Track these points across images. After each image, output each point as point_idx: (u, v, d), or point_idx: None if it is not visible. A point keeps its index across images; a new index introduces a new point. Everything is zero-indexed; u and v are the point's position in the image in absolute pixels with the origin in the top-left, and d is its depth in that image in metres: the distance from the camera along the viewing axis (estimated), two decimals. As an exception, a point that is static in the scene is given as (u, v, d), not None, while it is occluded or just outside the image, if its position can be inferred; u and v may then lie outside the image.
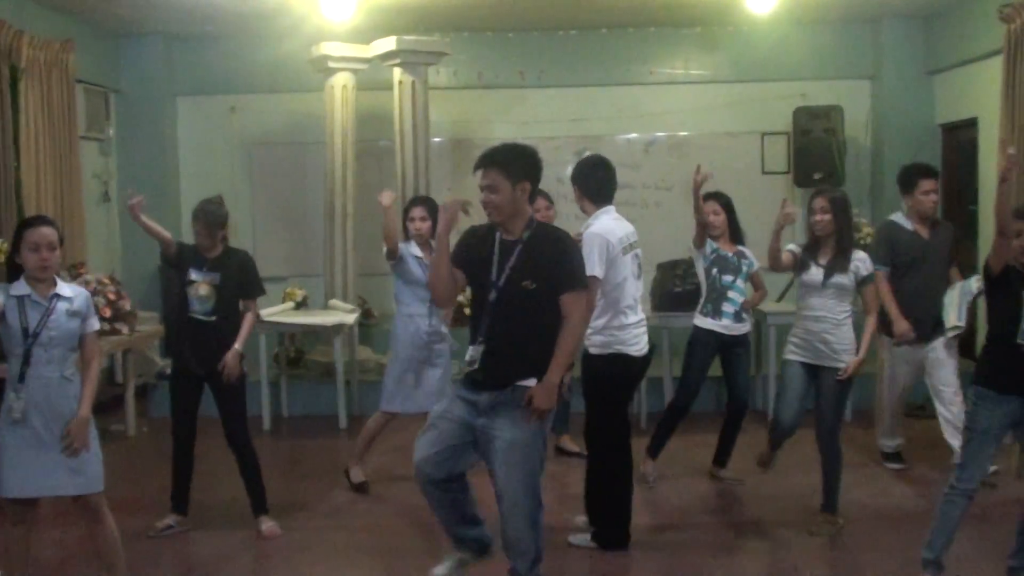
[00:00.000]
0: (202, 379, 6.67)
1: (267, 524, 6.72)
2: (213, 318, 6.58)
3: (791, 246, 6.67)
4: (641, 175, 12.06)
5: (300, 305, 10.35)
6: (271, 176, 12.23)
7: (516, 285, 4.92)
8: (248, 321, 6.75)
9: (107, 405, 10.27)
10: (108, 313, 8.95)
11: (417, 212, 7.42)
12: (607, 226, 6.16)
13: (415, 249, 7.37)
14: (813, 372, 6.53)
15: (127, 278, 10.49)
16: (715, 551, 6.42)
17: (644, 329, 6.38)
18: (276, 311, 9.96)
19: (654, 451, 7.78)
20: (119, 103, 11.76)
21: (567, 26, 11.90)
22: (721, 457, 7.81)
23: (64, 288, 5.24)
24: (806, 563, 6.19)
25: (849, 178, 11.61)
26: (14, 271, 5.28)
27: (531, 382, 4.89)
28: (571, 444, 8.48)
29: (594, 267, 5.88)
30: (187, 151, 12.19)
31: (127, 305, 9.15)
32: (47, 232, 5.17)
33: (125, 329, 9.08)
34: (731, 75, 12.17)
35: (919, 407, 9.09)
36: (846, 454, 6.64)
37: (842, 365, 6.41)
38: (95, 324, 5.39)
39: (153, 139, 11.85)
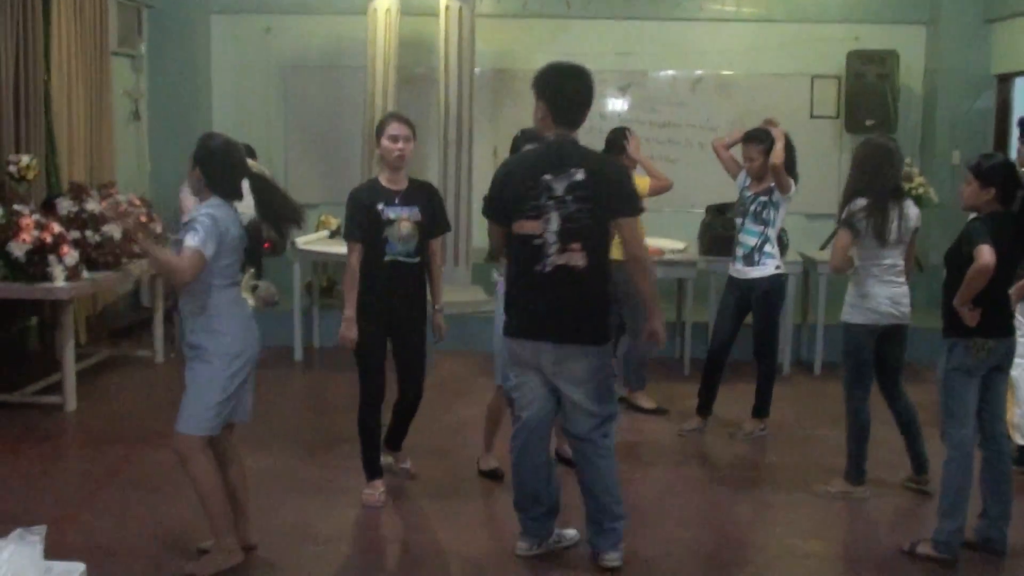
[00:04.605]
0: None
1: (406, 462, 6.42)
2: (416, 259, 5.91)
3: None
4: (686, 114, 11.74)
5: (334, 234, 10.03)
6: (306, 100, 11.90)
7: None
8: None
9: (133, 331, 10.09)
10: (139, 235, 8.68)
11: None
12: None
13: None
14: None
15: (156, 199, 10.19)
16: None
17: None
18: (310, 239, 9.69)
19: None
20: (152, 19, 11.38)
21: (617, -45, 11.51)
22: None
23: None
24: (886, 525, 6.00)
25: (900, 126, 11.30)
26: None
27: None
28: (645, 400, 8.08)
29: None
30: (220, 71, 11.86)
31: (158, 227, 8.85)
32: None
33: (156, 252, 8.79)
34: (783, 15, 11.78)
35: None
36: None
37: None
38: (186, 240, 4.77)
39: (186, 57, 11.47)
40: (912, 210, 6.10)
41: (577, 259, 4.77)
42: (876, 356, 6.18)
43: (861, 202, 5.93)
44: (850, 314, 6.12)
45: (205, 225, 4.69)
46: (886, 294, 6.03)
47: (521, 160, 5.03)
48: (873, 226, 5.89)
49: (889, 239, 5.95)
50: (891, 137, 6.49)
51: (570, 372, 4.93)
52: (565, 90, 4.88)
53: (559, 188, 4.75)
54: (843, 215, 6.00)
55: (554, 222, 4.75)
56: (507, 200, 4.90)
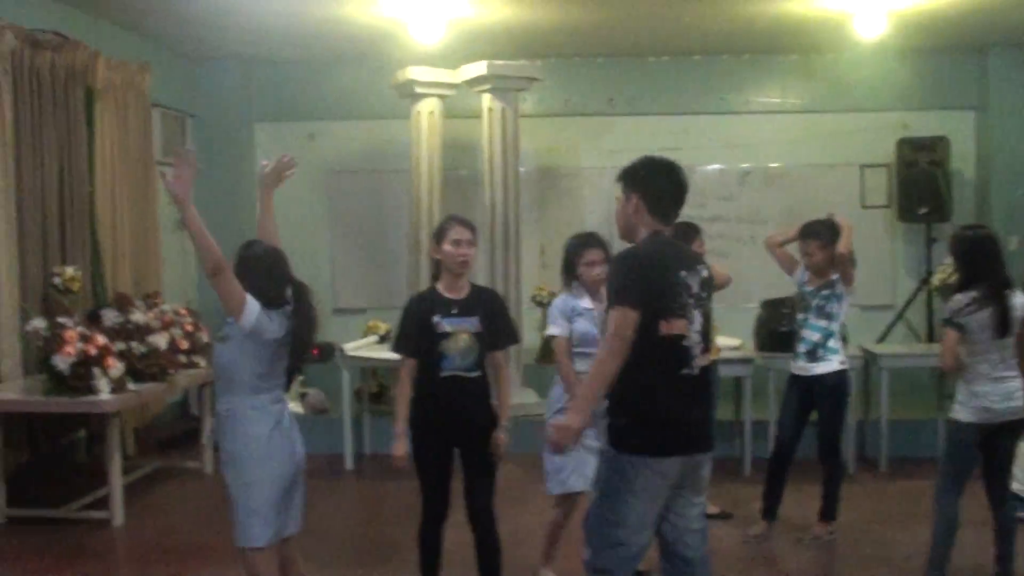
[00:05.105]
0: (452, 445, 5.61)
1: None
2: (477, 373, 5.53)
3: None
4: (735, 207, 11.62)
5: (383, 339, 9.92)
6: (350, 204, 11.91)
7: None
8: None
9: (182, 441, 9.94)
10: (185, 346, 8.59)
11: (595, 255, 5.90)
12: None
13: (585, 301, 5.91)
14: None
15: (204, 309, 10.09)
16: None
17: None
18: (358, 345, 9.56)
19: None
20: (196, 128, 11.46)
21: (659, 52, 11.51)
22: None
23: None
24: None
25: (955, 213, 11.08)
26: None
27: None
28: (708, 504, 7.63)
29: None
30: (264, 178, 11.85)
31: (205, 337, 8.78)
32: None
33: (203, 362, 8.69)
34: (829, 105, 11.70)
35: None
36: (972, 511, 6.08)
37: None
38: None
39: (230, 166, 11.47)
40: (1018, 299, 5.76)
41: (708, 358, 4.48)
42: (985, 454, 5.86)
43: (961, 298, 5.68)
44: (959, 412, 5.81)
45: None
46: (998, 391, 5.71)
47: (652, 254, 4.46)
48: (983, 320, 5.62)
49: (1005, 333, 5.70)
50: (983, 225, 6.24)
51: (702, 482, 4.53)
52: (663, 184, 4.59)
53: (695, 285, 4.41)
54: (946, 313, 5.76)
55: (696, 321, 4.38)
56: (652, 294, 4.35)
